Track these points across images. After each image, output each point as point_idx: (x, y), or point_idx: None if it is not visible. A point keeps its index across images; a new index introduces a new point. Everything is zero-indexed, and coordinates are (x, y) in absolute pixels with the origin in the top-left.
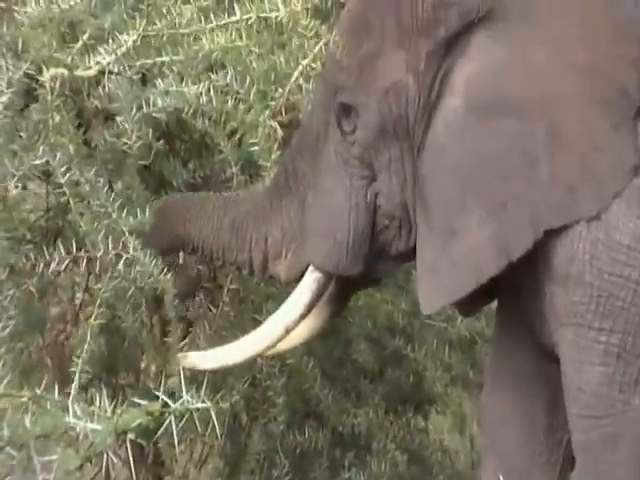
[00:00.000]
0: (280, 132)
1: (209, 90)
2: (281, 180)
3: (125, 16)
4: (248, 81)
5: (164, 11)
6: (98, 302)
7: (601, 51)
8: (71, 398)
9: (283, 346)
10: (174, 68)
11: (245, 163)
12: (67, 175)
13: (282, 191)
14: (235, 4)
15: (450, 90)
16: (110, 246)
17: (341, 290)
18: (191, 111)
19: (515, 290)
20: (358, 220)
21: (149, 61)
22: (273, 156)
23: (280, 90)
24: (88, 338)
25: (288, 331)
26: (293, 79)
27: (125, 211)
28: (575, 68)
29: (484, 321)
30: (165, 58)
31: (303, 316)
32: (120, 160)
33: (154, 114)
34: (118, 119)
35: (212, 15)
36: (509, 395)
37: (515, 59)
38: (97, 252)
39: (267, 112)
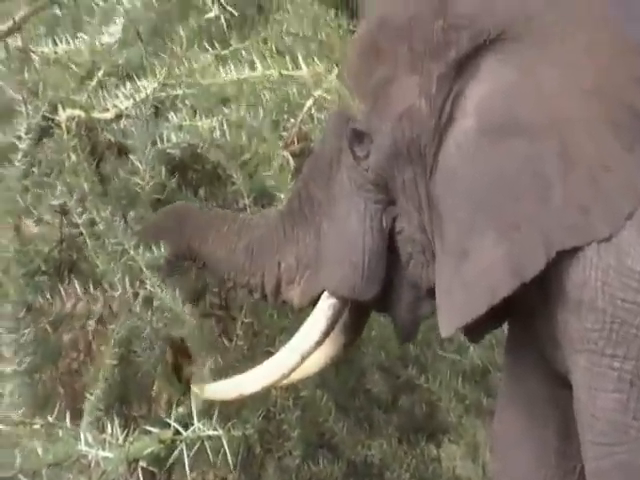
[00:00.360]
0: (292, 162)
1: (222, 124)
2: (295, 206)
3: (144, 59)
4: (262, 113)
5: (183, 59)
6: (112, 343)
7: (612, 73)
8: (83, 426)
9: (297, 376)
10: (187, 102)
11: (258, 194)
12: (84, 215)
13: (296, 219)
14: (254, 55)
15: (461, 112)
16: (127, 284)
17: (355, 318)
18: (205, 146)
19: (527, 315)
20: (373, 243)
21: (162, 94)
22: (286, 186)
23: (292, 120)
24: (101, 378)
25: (304, 359)
26: (305, 109)
27: (141, 247)
28: (585, 90)
29: (497, 349)
30: (178, 92)
31: (319, 343)
32: (133, 195)
33: (168, 150)
34: (132, 157)
35: (232, 66)
36: (521, 420)
37: (526, 81)
38: (115, 292)
39: (280, 142)
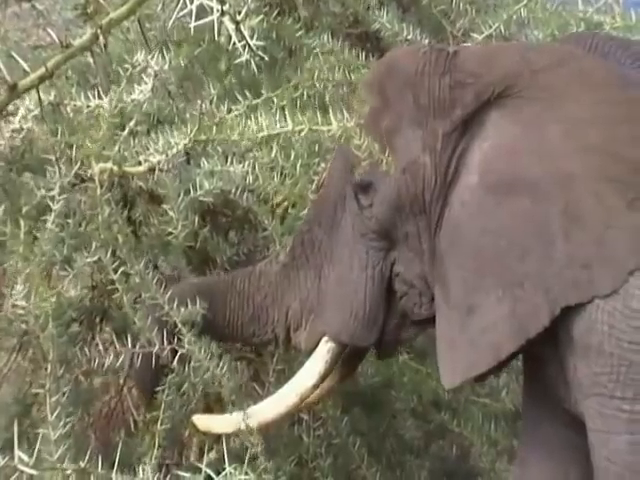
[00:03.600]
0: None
1: (254, 168)
2: (298, 251)
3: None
4: (293, 156)
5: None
6: (162, 407)
7: (613, 131)
8: (114, 471)
9: None
10: (218, 147)
11: (289, 239)
12: (119, 271)
13: (299, 263)
14: (286, 113)
15: (466, 169)
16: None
17: (353, 356)
18: (238, 192)
19: (538, 361)
20: (374, 292)
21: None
22: None
23: (323, 165)
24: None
25: (302, 399)
26: None
27: (176, 302)
28: (588, 147)
29: None
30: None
31: (317, 385)
32: (166, 243)
33: (201, 198)
34: (165, 207)
35: (263, 118)
36: (540, 466)
37: (529, 138)
38: (153, 347)
39: (311, 186)
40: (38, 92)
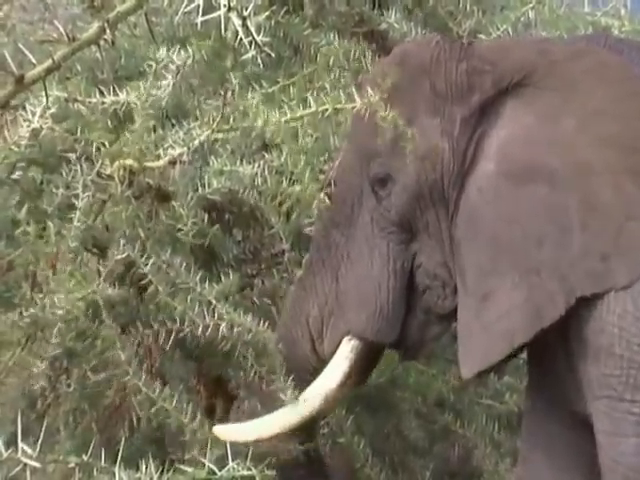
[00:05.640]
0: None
1: (264, 170)
2: (314, 257)
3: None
4: (303, 160)
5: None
6: None
7: (630, 123)
8: (117, 465)
9: None
10: (227, 146)
11: (295, 238)
12: (149, 263)
13: (315, 268)
14: (309, 95)
15: (483, 156)
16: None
17: (369, 360)
18: (246, 192)
19: (545, 362)
20: (397, 286)
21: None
22: None
23: (330, 164)
24: None
25: (328, 401)
26: None
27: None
28: (602, 139)
29: None
30: (219, 135)
31: (342, 385)
32: (174, 240)
33: (209, 196)
34: (174, 204)
35: (285, 105)
36: (543, 466)
37: (547, 127)
38: (197, 328)
39: (317, 185)
40: (44, 84)
